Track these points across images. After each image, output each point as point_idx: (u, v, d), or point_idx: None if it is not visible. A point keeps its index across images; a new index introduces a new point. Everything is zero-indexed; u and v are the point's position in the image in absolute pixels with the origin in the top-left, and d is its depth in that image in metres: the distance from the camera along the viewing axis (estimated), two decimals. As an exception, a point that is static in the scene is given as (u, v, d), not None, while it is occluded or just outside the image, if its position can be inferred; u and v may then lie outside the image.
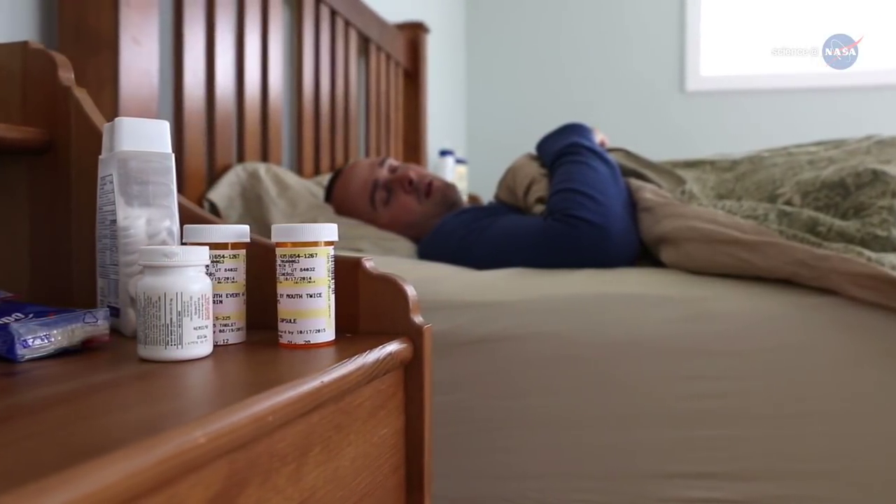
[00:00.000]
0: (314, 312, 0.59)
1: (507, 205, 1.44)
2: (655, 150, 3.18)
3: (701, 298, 1.05)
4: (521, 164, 1.44)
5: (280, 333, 0.60)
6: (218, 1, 1.41)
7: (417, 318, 0.66)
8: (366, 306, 0.66)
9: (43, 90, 0.76)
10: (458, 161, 2.89)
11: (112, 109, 1.12)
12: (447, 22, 3.21)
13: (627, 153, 1.43)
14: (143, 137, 0.64)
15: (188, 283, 0.54)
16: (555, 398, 1.05)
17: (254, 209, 1.44)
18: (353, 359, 0.55)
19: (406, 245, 1.44)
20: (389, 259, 1.29)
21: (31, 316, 0.59)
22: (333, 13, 1.94)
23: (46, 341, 0.54)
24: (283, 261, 0.60)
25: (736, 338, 1.01)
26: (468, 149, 3.46)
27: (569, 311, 1.06)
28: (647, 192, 1.26)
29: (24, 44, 0.76)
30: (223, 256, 0.61)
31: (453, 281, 1.14)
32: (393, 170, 1.52)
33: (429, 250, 1.37)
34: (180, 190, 1.32)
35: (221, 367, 0.53)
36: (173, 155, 0.66)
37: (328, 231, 0.61)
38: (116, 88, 1.12)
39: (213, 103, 1.41)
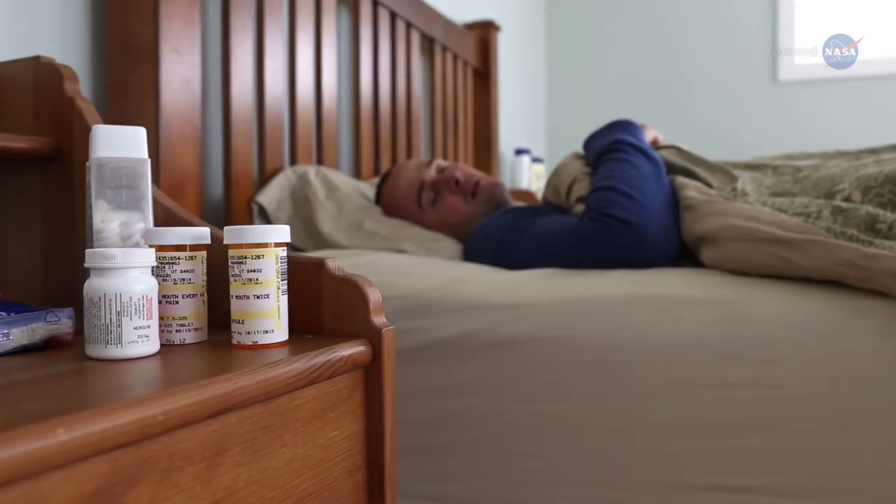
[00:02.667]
0: (262, 314, 0.60)
1: (553, 205, 1.41)
2: (747, 143, 3.04)
3: (735, 300, 0.98)
4: (566, 163, 1.40)
5: (232, 334, 0.61)
6: (267, 8, 1.45)
7: (378, 320, 0.65)
8: (329, 307, 0.66)
9: (51, 101, 0.80)
10: (535, 160, 2.86)
11: (153, 118, 1.17)
12: (525, 18, 3.18)
13: (679, 150, 1.38)
14: (120, 144, 0.67)
15: (130, 285, 0.55)
16: (581, 403, 1.01)
17: (302, 211, 1.47)
18: (282, 363, 0.54)
19: (451, 245, 1.43)
20: (424, 260, 1.28)
21: (12, 315, 0.62)
22: (393, 15, 1.96)
23: (5, 339, 0.57)
24: (232, 262, 0.61)
25: (773, 343, 0.94)
26: (549, 147, 3.40)
27: (594, 312, 1.02)
28: (690, 190, 1.20)
29: (37, 58, 0.81)
30: (179, 258, 0.62)
31: (478, 282, 1.13)
32: (441, 170, 1.51)
33: (472, 250, 1.37)
34: (227, 194, 1.38)
35: (155, 367, 0.54)
36: (149, 160, 0.68)
37: (278, 233, 0.61)
38: (157, 98, 1.17)
39: (262, 108, 1.46)
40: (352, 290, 0.65)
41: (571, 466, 1.01)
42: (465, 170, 1.51)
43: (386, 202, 1.53)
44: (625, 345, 1.00)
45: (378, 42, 1.88)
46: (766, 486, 0.93)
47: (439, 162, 1.54)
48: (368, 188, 1.66)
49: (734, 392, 0.95)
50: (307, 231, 1.47)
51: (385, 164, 1.91)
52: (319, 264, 0.66)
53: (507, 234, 1.31)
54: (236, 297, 0.60)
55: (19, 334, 0.58)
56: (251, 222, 1.42)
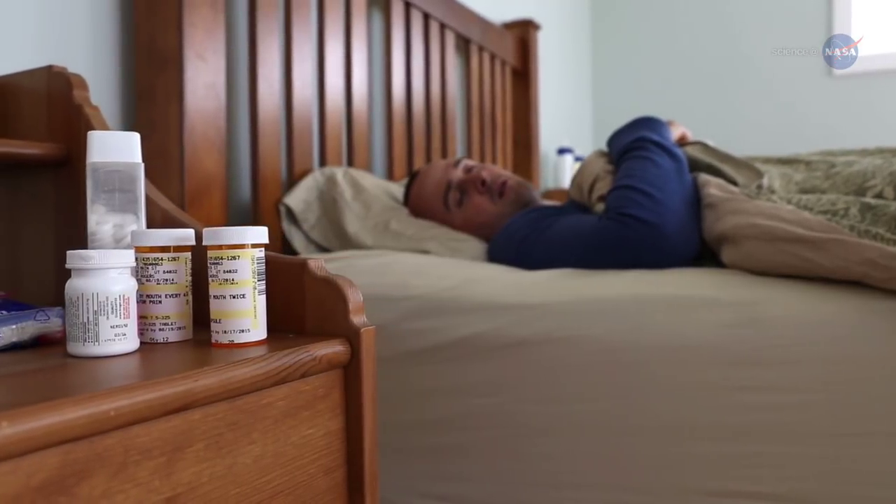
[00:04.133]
0: (238, 313, 0.61)
1: (577, 203, 1.40)
2: (804, 139, 2.94)
3: (752, 301, 0.96)
4: (589, 162, 1.39)
5: (211, 333, 0.63)
6: (295, 13, 1.48)
7: (358, 320, 0.65)
8: (311, 307, 0.67)
9: (62, 108, 0.83)
10: (577, 159, 2.83)
11: (178, 123, 1.21)
12: (567, 16, 3.14)
13: (705, 146, 1.34)
14: (113, 149, 0.69)
15: (107, 285, 0.57)
16: (595, 404, 1.00)
17: (330, 212, 1.49)
18: (247, 362, 0.55)
19: (475, 245, 1.43)
20: (442, 260, 1.29)
21: (8, 313, 0.65)
22: (427, 16, 1.96)
23: (-5, 336, 0.60)
24: (210, 263, 0.62)
25: (791, 345, 0.92)
26: (595, 146, 3.36)
27: (609, 313, 1.01)
28: (712, 188, 1.17)
29: (49, 68, 0.85)
30: (162, 259, 0.64)
31: (494, 282, 1.13)
32: (467, 170, 1.51)
33: (495, 250, 1.36)
34: (255, 196, 1.41)
35: (128, 365, 0.56)
36: (142, 164, 0.71)
37: (255, 234, 0.62)
38: (182, 103, 1.21)
39: (290, 111, 1.48)
40: (332, 291, 0.66)
41: (586, 468, 1.00)
42: (493, 170, 1.51)
43: (413, 202, 1.54)
44: (640, 345, 0.98)
45: (411, 43, 1.89)
46: (781, 493, 0.90)
47: (466, 162, 1.54)
48: (397, 189, 1.67)
49: (750, 395, 0.93)
50: (334, 232, 1.49)
51: (418, 164, 1.92)
52: (302, 265, 0.67)
53: (529, 233, 1.30)
54: (214, 296, 0.62)
55: (9, 332, 0.61)
56: (279, 224, 1.45)
